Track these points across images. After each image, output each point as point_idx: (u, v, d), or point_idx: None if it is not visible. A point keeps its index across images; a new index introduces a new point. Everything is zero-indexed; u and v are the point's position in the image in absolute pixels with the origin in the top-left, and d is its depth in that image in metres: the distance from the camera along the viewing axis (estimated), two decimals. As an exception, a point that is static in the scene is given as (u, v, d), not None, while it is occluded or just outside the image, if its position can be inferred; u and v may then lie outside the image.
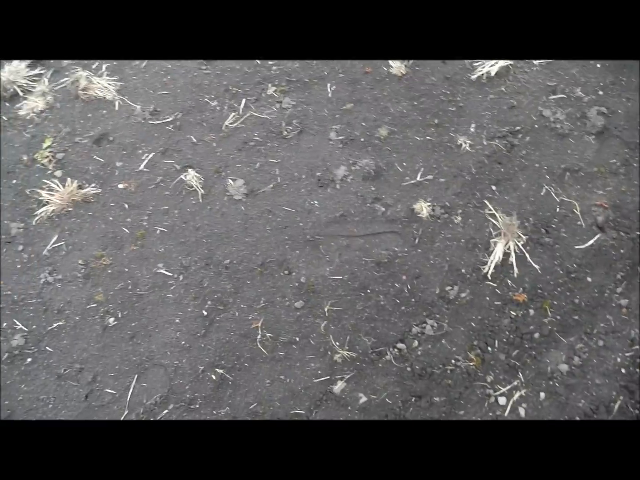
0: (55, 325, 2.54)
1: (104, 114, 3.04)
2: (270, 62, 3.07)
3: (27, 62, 3.22)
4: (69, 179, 2.82)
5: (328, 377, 2.31)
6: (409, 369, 2.29)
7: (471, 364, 2.28)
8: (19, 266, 2.70)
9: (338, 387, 2.28)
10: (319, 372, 2.32)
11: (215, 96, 3.00)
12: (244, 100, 2.97)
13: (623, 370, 2.23)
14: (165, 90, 3.06)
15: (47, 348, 2.50)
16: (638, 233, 2.47)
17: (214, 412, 2.28)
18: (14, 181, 2.92)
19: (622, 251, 2.45)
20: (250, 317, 2.45)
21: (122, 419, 2.31)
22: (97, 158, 2.92)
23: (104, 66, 3.18)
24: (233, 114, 2.94)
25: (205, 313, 2.48)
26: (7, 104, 3.16)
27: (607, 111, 2.72)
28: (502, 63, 2.80)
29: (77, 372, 2.44)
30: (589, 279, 2.41)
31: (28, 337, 2.54)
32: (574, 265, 2.43)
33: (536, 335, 2.32)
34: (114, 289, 2.59)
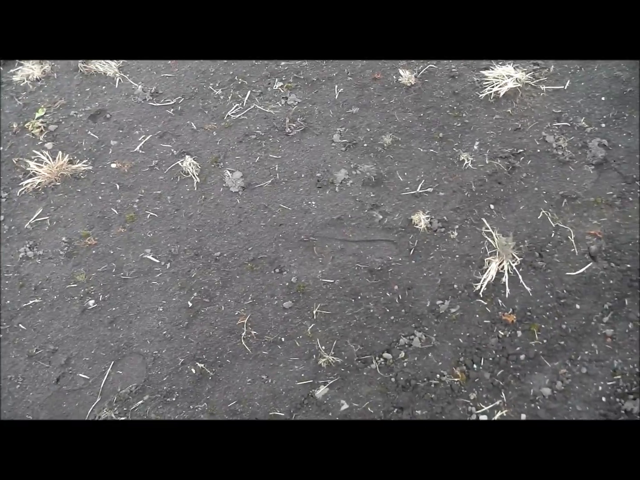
0: (31, 302, 2.45)
1: (102, 89, 2.96)
2: (279, 57, 3.03)
3: (27, 28, 3.11)
4: (60, 152, 2.73)
5: (311, 381, 2.26)
6: (393, 379, 2.26)
7: (456, 379, 2.26)
8: (-3, 237, 2.60)
9: (320, 391, 2.24)
10: (303, 375, 2.27)
11: (220, 85, 2.95)
12: (249, 92, 2.92)
13: (604, 399, 2.24)
14: (169, 73, 3.00)
15: (20, 325, 2.41)
16: (628, 266, 2.49)
17: (191, 406, 2.21)
18: (1, 148, 2.82)
19: (611, 282, 2.46)
20: (236, 313, 2.39)
21: (93, 406, 2.23)
22: (92, 134, 2.83)
23: (106, 41, 3.10)
24: (236, 104, 2.88)
25: (190, 304, 2.42)
26: (1, 68, 3.05)
27: (608, 144, 2.75)
28: (511, 85, 2.80)
29: (50, 353, 2.35)
30: (578, 306, 2.41)
31: (0, 312, 2.44)
32: (564, 291, 2.44)
33: (522, 356, 2.31)
34: (97, 270, 2.51)
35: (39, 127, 2.83)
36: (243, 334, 2.35)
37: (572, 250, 2.52)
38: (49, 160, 2.69)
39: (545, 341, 2.35)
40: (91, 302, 2.44)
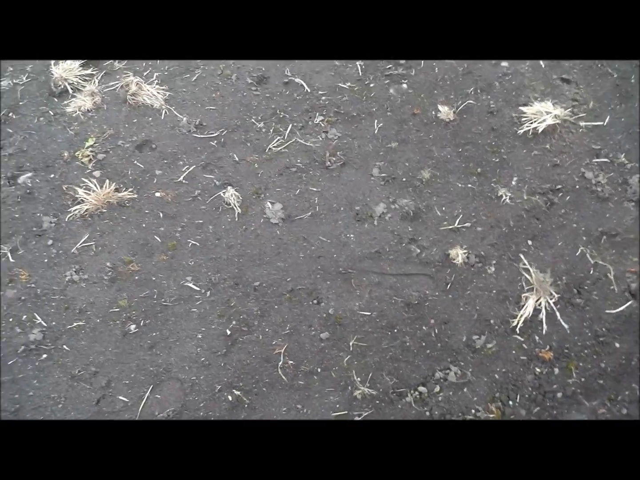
0: (75, 324, 2.53)
1: (149, 121, 3.07)
2: (320, 92, 3.10)
3: (81, 61, 3.27)
4: (107, 181, 2.84)
5: (346, 412, 2.27)
6: (427, 413, 2.26)
7: (491, 415, 2.25)
8: (45, 260, 2.70)
9: (355, 424, 2.25)
10: (337, 405, 2.29)
11: (262, 118, 3.03)
12: (290, 126, 2.99)
13: (644, 442, 2.20)
14: (212, 106, 3.10)
15: (64, 347, 2.48)
16: (669, 305, 2.46)
17: (227, 433, 2.24)
18: (52, 175, 2.94)
19: (651, 321, 2.43)
20: (273, 342, 2.43)
21: (132, 428, 2.28)
22: (137, 163, 2.94)
23: (155, 74, 3.23)
24: (278, 137, 2.96)
25: (228, 332, 2.46)
26: (56, 100, 3.20)
27: (649, 180, 2.73)
28: (550, 121, 2.82)
29: (91, 375, 2.42)
30: (617, 345, 2.38)
31: (46, 332, 2.52)
32: (603, 329, 2.41)
33: (559, 394, 2.29)
34: (139, 296, 2.58)
35: (88, 155, 2.95)
36: (280, 363, 2.38)
37: (612, 287, 2.49)
38: (97, 188, 2.79)
39: (583, 380, 2.32)
40: (132, 326, 2.51)
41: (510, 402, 2.28)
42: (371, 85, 3.12)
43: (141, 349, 2.47)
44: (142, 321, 2.52)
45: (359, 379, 2.33)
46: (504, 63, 3.14)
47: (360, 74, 3.17)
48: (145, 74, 3.24)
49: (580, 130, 2.89)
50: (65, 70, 3.20)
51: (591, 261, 2.55)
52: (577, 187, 2.73)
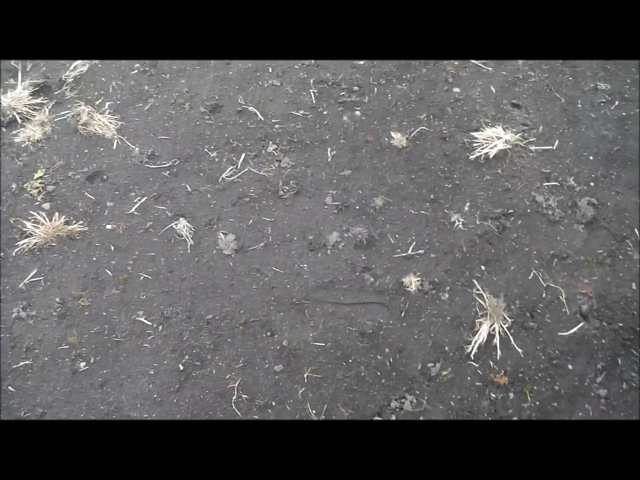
0: (21, 363, 2.45)
1: (101, 151, 3.02)
2: (273, 120, 3.10)
3: (30, 90, 3.22)
4: (56, 213, 2.77)
5: (301, 447, 2.24)
6: (384, 445, 2.24)
7: (447, 445, 2.24)
8: (-9, 297, 2.62)
9: (311, 458, 2.21)
10: (293, 440, 2.25)
11: (215, 147, 3.01)
12: (243, 155, 2.97)
13: (599, 464, 2.21)
14: (165, 135, 3.07)
15: (10, 388, 2.40)
16: (620, 324, 2.49)
17: (180, 473, 2.19)
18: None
19: (603, 341, 2.46)
20: (227, 377, 2.38)
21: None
22: (88, 195, 2.88)
23: (107, 103, 3.19)
24: (231, 167, 2.94)
25: (181, 367, 2.41)
26: (4, 129, 3.13)
27: (597, 202, 2.78)
28: (501, 146, 2.86)
29: (38, 416, 2.34)
30: (570, 367, 2.40)
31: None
32: (556, 351, 2.43)
33: (514, 419, 2.29)
34: (90, 332, 2.51)
35: (37, 187, 2.89)
36: (234, 397, 2.34)
37: (564, 310, 2.52)
38: (46, 221, 2.73)
39: (538, 403, 2.33)
40: (82, 364, 2.44)
41: (467, 430, 2.27)
42: (324, 112, 3.13)
43: (92, 388, 2.40)
44: (93, 358, 2.46)
45: (314, 411, 2.30)
46: (456, 89, 3.19)
47: (314, 102, 3.17)
48: (97, 103, 3.19)
49: (531, 154, 2.94)
50: (14, 99, 3.14)
51: (543, 284, 2.58)
52: (529, 210, 2.77)
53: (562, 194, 2.82)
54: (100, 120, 3.07)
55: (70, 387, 2.40)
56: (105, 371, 2.43)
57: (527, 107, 3.12)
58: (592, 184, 2.86)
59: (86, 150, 3.03)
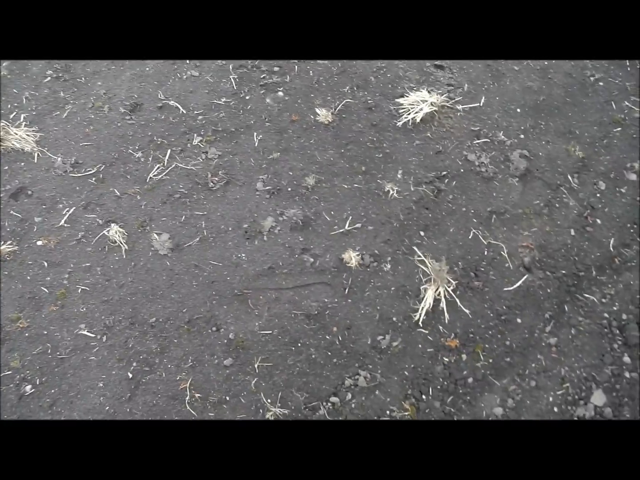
0: (-36, 395, 2.37)
1: (21, 166, 2.91)
2: (196, 112, 3.02)
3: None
4: (-17, 236, 2.67)
5: (260, 437, 2.22)
6: (343, 423, 2.24)
7: (406, 413, 2.24)
8: None
9: (271, 447, 2.20)
10: (251, 432, 2.23)
11: (140, 147, 2.93)
12: (169, 151, 2.90)
13: (555, 409, 2.24)
14: (87, 142, 2.96)
15: (-45, 421, 2.33)
16: (563, 272, 2.52)
17: (140, 483, 2.15)
18: None
19: (549, 290, 2.49)
20: (178, 378, 2.34)
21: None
22: (14, 213, 2.78)
23: (22, 116, 3.06)
24: (158, 165, 2.86)
25: (130, 375, 2.36)
26: None
27: (529, 154, 2.79)
28: (427, 109, 2.84)
29: (-11, 447, 2.27)
30: (519, 320, 2.42)
31: None
32: (504, 307, 2.45)
33: (470, 380, 2.31)
34: (32, 353, 2.44)
35: (-39, 212, 2.78)
36: (187, 398, 2.30)
37: (507, 265, 2.54)
38: (-27, 246, 2.63)
39: (491, 361, 2.35)
40: (28, 387, 2.37)
41: (424, 397, 2.28)
42: (247, 97, 3.06)
43: (41, 410, 2.33)
44: (38, 379, 2.38)
45: (269, 400, 2.28)
46: (378, 57, 3.15)
47: (235, 87, 3.11)
48: (11, 116, 3.06)
49: (458, 114, 2.93)
50: None
51: (484, 242, 2.58)
52: (462, 170, 2.77)
53: (494, 150, 2.82)
54: (16, 134, 2.95)
55: (18, 412, 2.33)
56: (53, 391, 2.36)
57: (450, 67, 3.10)
58: (522, 136, 2.87)
59: (6, 167, 2.91)
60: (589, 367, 2.30)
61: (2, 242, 2.68)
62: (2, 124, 2.96)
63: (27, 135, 2.97)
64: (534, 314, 2.44)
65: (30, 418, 2.30)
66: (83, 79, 3.22)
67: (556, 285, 2.50)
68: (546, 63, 3.09)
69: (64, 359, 2.42)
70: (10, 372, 2.40)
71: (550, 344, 2.38)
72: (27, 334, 2.48)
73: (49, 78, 3.23)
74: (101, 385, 2.36)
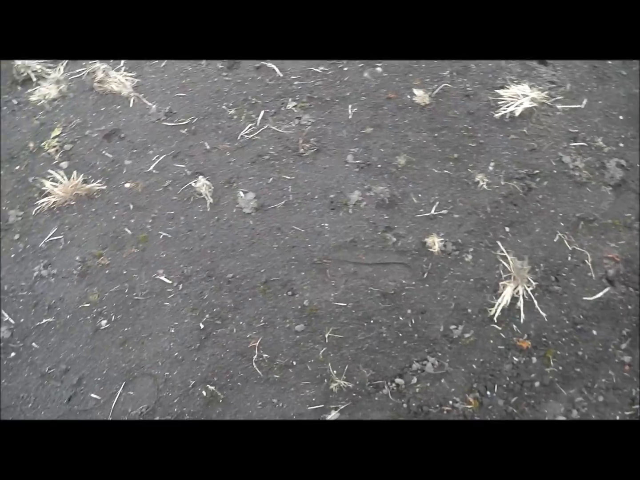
0: (44, 321, 2.46)
1: (117, 109, 2.98)
2: (292, 77, 3.02)
3: (44, 47, 3.15)
4: (74, 172, 2.75)
5: (322, 406, 2.24)
6: (405, 405, 2.23)
7: (469, 406, 2.23)
8: (13, 255, 2.63)
9: (331, 416, 2.22)
10: (314, 399, 2.25)
11: (234, 105, 2.95)
12: (262, 112, 2.91)
13: (621, 429, 2.19)
14: (182, 93, 3.00)
15: (34, 344, 2.42)
16: (646, 290, 2.44)
17: (201, 430, 2.20)
18: (17, 167, 2.85)
19: (629, 307, 2.41)
20: (248, 336, 2.38)
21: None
22: (106, 154, 2.85)
23: (122, 61, 3.12)
24: (250, 125, 2.88)
25: (202, 326, 2.41)
26: (19, 88, 3.09)
27: (626, 164, 2.70)
28: (527, 104, 2.77)
29: (62, 372, 2.36)
30: (594, 332, 2.37)
31: (14, 330, 2.46)
32: (581, 316, 2.39)
33: (537, 384, 2.27)
34: (110, 290, 2.51)
35: (55, 146, 2.85)
36: (254, 357, 2.34)
37: (589, 274, 2.47)
38: (64, 180, 2.70)
39: (560, 368, 2.31)
40: (104, 322, 2.45)
41: (488, 393, 2.26)
42: (345, 69, 3.03)
43: (113, 345, 2.41)
44: (114, 316, 2.46)
45: (335, 371, 2.29)
46: (481, 45, 3.08)
47: (334, 58, 3.09)
48: (112, 60, 3.13)
49: (558, 113, 2.85)
50: (28, 57, 3.08)
51: (569, 247, 2.52)
52: (555, 171, 2.70)
53: (590, 155, 2.74)
54: (116, 78, 3.01)
55: (92, 344, 2.41)
56: (126, 329, 2.43)
57: (554, 65, 3.01)
58: (621, 144, 2.77)
59: (102, 109, 2.98)
60: (662, 393, 2.24)
61: (93, 180, 2.76)
62: (104, 66, 3.02)
63: (126, 79, 3.03)
64: (610, 329, 2.37)
65: (102, 351, 2.38)
66: (185, 30, 3.25)
67: (637, 303, 2.42)
68: (656, 72, 2.97)
69: (139, 301, 2.48)
70: (88, 305, 2.49)
71: (624, 362, 2.32)
72: (107, 271, 2.55)
73: (152, 26, 3.28)
74: (172, 331, 2.41)
